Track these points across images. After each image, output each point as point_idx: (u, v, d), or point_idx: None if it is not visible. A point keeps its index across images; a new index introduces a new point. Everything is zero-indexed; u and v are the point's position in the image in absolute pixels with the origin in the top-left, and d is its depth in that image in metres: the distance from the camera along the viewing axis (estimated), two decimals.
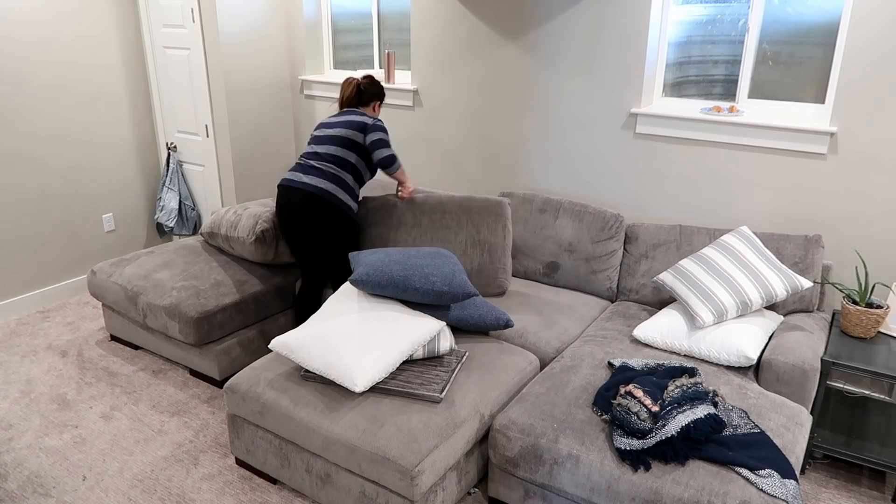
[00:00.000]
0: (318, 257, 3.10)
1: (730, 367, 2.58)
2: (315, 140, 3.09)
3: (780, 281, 2.68)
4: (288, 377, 2.45)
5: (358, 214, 3.19)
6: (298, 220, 3.01)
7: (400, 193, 3.29)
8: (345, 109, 3.16)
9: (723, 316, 2.64)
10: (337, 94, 4.25)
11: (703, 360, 2.62)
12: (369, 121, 3.04)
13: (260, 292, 3.30)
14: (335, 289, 3.23)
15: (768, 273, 2.70)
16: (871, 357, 2.49)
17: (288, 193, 3.02)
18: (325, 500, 2.41)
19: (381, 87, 3.22)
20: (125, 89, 4.30)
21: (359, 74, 3.41)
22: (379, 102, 3.24)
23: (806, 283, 2.67)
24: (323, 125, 3.12)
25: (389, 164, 3.07)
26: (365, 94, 3.17)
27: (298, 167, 3.06)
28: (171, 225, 4.49)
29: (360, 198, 3.27)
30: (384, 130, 3.08)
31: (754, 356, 2.51)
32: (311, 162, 3.04)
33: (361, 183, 3.16)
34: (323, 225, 3.03)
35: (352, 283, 2.57)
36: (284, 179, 3.06)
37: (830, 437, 2.59)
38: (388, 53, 3.96)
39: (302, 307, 3.19)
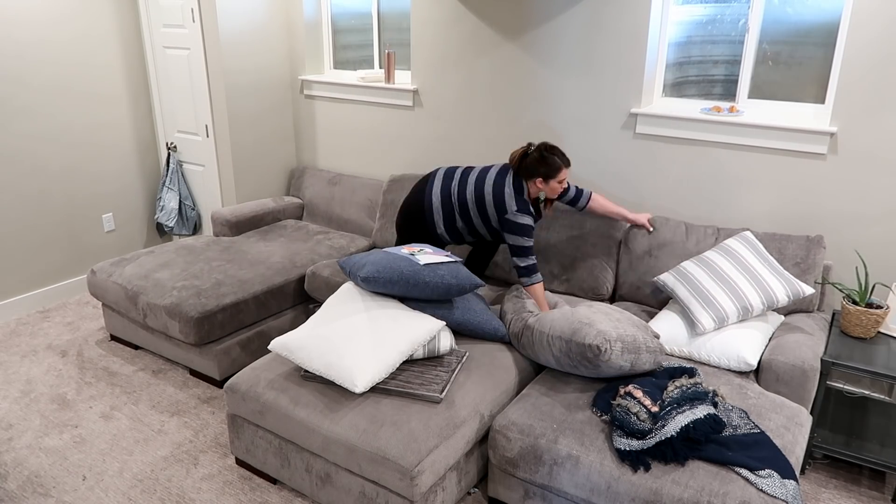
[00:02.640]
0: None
1: (730, 368, 2.58)
2: (462, 173, 2.93)
3: (782, 286, 2.67)
4: (288, 377, 2.45)
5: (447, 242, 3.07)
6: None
7: None
8: (506, 164, 2.87)
9: (723, 322, 2.63)
10: (337, 95, 4.25)
11: (703, 364, 2.62)
12: (512, 208, 2.75)
13: (260, 292, 3.30)
14: None
15: (770, 278, 2.69)
16: (871, 357, 2.49)
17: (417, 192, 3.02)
18: (325, 500, 2.41)
19: (553, 164, 2.74)
20: (125, 89, 4.30)
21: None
22: (542, 179, 2.77)
23: (808, 290, 2.67)
24: (474, 168, 2.94)
25: (522, 276, 2.82)
26: (526, 166, 2.78)
27: (447, 175, 2.96)
28: (171, 225, 4.49)
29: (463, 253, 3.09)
30: (523, 232, 2.75)
31: (755, 362, 2.52)
32: (452, 184, 2.91)
33: (474, 236, 2.98)
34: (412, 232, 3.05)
35: (363, 280, 2.55)
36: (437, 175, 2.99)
37: (830, 438, 2.58)
38: (388, 53, 3.96)
39: None
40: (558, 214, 3.29)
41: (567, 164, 2.79)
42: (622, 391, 2.26)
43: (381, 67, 4.28)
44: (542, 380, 2.50)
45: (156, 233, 4.69)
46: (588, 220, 3.22)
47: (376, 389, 2.34)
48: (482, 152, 3.78)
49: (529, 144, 2.83)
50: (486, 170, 2.91)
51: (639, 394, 2.19)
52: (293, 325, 3.54)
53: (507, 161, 2.92)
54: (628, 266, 3.18)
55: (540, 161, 2.75)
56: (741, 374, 2.55)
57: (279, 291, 3.40)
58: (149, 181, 4.57)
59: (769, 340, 2.66)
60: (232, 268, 3.45)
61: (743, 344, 2.55)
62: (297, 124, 4.56)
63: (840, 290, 2.71)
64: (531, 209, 2.82)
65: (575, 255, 3.21)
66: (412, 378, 2.38)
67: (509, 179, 2.81)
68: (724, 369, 2.57)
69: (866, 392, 2.87)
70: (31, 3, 3.72)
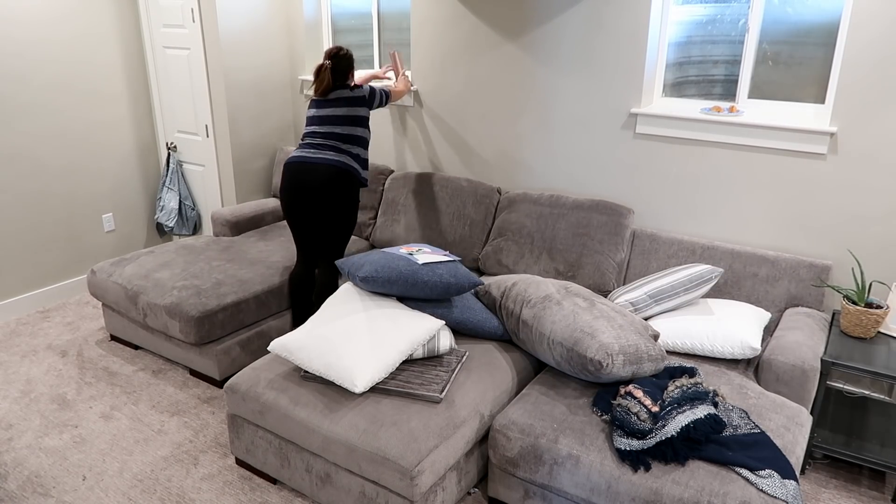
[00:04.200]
0: (321, 233, 3.19)
1: (730, 368, 2.59)
2: (315, 121, 3.15)
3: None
4: (288, 377, 2.45)
5: (366, 182, 3.27)
6: (316, 193, 3.07)
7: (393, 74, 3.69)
8: (334, 92, 3.17)
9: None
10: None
11: (707, 357, 2.63)
12: (365, 94, 3.19)
13: (261, 292, 3.30)
14: (327, 266, 3.27)
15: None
16: (870, 357, 2.49)
17: (303, 168, 3.07)
18: (325, 500, 2.41)
19: (349, 54, 3.21)
20: (125, 89, 4.30)
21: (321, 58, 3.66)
22: (353, 68, 3.27)
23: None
24: (318, 103, 3.16)
25: (388, 100, 3.40)
26: (340, 72, 3.18)
27: (308, 146, 3.13)
28: (171, 225, 4.49)
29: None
30: (376, 91, 3.28)
31: (759, 345, 2.55)
32: (319, 141, 3.12)
33: (367, 146, 3.27)
34: (340, 196, 3.10)
35: (362, 280, 2.55)
36: (295, 156, 3.12)
37: (830, 438, 2.59)
38: (392, 53, 3.95)
39: (299, 288, 3.32)
40: (564, 212, 3.27)
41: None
42: (623, 391, 2.26)
43: (380, 67, 4.28)
44: (542, 379, 2.50)
45: (156, 233, 4.69)
46: (594, 216, 3.21)
47: (376, 389, 2.34)
48: (482, 152, 3.78)
49: (322, 66, 3.15)
50: (326, 114, 3.13)
51: (639, 393, 2.20)
52: (292, 315, 3.53)
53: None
54: (635, 261, 3.18)
55: (342, 58, 3.18)
56: (741, 373, 2.55)
57: (279, 291, 3.40)
58: (149, 181, 4.57)
59: (769, 338, 2.66)
60: (232, 267, 3.44)
61: (743, 330, 2.58)
62: (297, 124, 4.55)
63: (837, 291, 2.71)
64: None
65: (581, 252, 3.19)
66: (412, 378, 2.38)
67: (346, 92, 3.17)
68: (723, 366, 2.57)
69: (866, 392, 2.87)
70: (32, 2, 3.72)
